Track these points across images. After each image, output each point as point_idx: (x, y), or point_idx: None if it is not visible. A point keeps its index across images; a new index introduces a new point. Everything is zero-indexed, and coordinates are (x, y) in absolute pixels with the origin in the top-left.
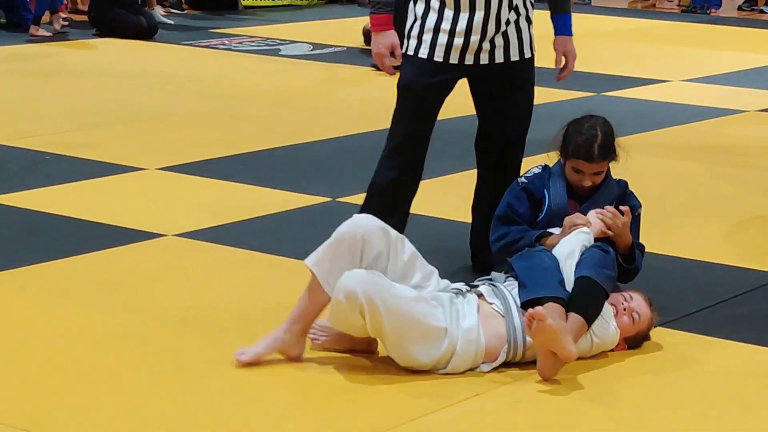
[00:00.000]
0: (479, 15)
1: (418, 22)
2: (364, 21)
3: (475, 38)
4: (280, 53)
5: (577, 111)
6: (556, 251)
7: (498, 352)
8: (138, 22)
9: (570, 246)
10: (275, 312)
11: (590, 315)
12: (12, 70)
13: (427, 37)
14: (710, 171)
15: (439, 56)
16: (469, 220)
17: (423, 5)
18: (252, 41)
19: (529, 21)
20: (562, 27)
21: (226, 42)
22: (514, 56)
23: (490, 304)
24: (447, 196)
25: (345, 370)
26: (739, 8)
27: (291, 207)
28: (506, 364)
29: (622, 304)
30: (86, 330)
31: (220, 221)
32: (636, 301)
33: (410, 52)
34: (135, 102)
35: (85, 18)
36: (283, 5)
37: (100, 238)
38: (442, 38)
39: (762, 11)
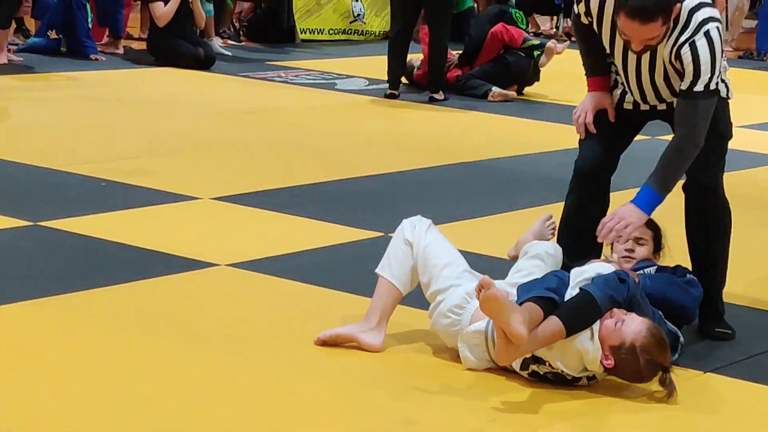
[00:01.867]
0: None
1: None
2: (418, 56)
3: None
4: (336, 87)
5: (630, 154)
6: (572, 271)
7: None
8: (196, 52)
9: (588, 270)
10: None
11: (571, 323)
12: (71, 96)
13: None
14: (764, 219)
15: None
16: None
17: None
18: (308, 74)
19: None
20: (636, 195)
21: (283, 74)
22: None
23: None
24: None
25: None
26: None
27: (343, 240)
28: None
29: (613, 313)
30: (137, 356)
31: (273, 252)
32: (629, 316)
33: None
34: (191, 131)
35: (144, 47)
36: (340, 39)
37: (154, 265)
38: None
39: None
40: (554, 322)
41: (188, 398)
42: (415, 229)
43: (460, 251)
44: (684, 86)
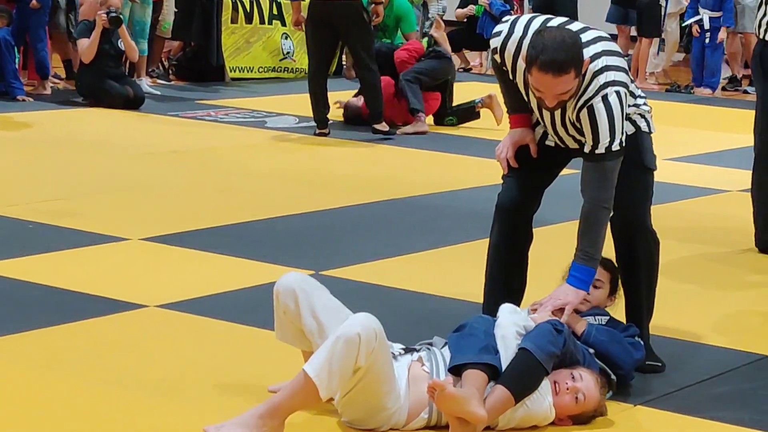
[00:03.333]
0: None
1: None
2: (350, 95)
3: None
4: (266, 125)
5: (557, 187)
6: (498, 322)
7: (418, 414)
8: (125, 92)
9: (513, 319)
10: (253, 384)
11: (520, 389)
12: None
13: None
14: (692, 250)
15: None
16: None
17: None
18: (238, 113)
19: None
20: (569, 275)
21: (213, 113)
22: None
23: (422, 366)
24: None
25: None
26: (723, 88)
27: (272, 279)
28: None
29: (566, 383)
30: (66, 400)
31: (202, 293)
32: (585, 382)
33: None
34: (120, 172)
35: (73, 87)
36: (270, 77)
37: (82, 308)
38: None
39: (746, 91)
40: (502, 392)
41: None
42: (372, 353)
43: (390, 288)
44: (586, 149)
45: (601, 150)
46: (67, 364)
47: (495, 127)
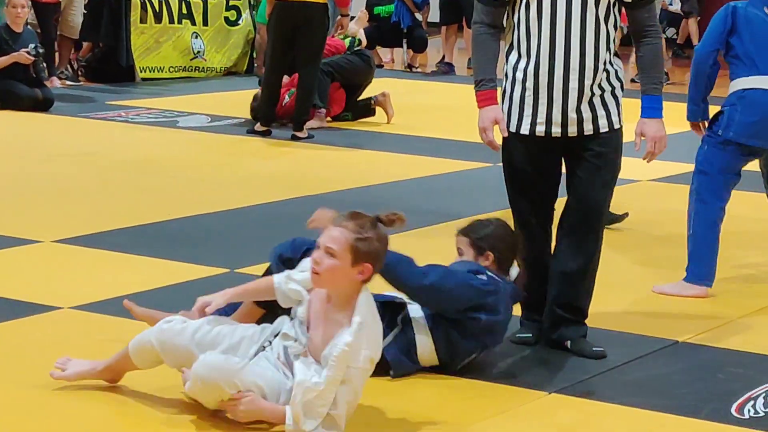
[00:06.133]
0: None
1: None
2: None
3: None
4: (177, 125)
5: (477, 183)
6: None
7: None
8: (33, 94)
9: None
10: (172, 384)
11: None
12: None
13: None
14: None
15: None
16: None
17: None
18: (149, 113)
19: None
20: (643, 108)
21: (123, 114)
22: (603, 128)
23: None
24: None
25: None
26: (632, 80)
27: (189, 278)
28: None
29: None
30: None
31: (117, 293)
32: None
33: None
34: (30, 174)
35: None
36: (180, 77)
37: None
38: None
39: None
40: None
41: None
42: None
43: None
44: None
45: None
46: None
47: (386, 122)
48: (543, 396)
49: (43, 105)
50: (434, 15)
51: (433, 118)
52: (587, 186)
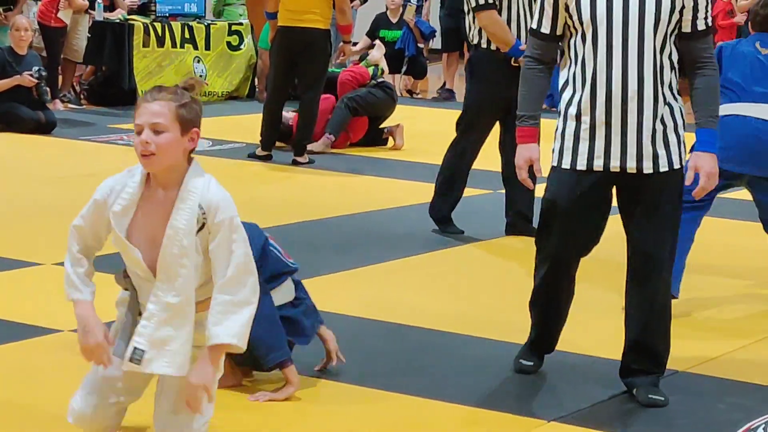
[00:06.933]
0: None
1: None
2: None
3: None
4: None
5: (473, 208)
6: None
7: None
8: (36, 117)
9: None
10: None
11: None
12: None
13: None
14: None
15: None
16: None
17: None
18: None
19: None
20: (698, 142)
21: (125, 137)
22: (663, 166)
23: None
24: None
25: None
26: None
27: None
28: None
29: None
30: None
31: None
32: None
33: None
34: (32, 196)
35: None
36: None
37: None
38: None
39: None
40: None
41: None
42: None
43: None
44: (700, 24)
45: (710, 20)
46: None
47: (389, 148)
48: (542, 424)
49: (45, 127)
50: (435, 42)
51: (434, 144)
52: (645, 229)
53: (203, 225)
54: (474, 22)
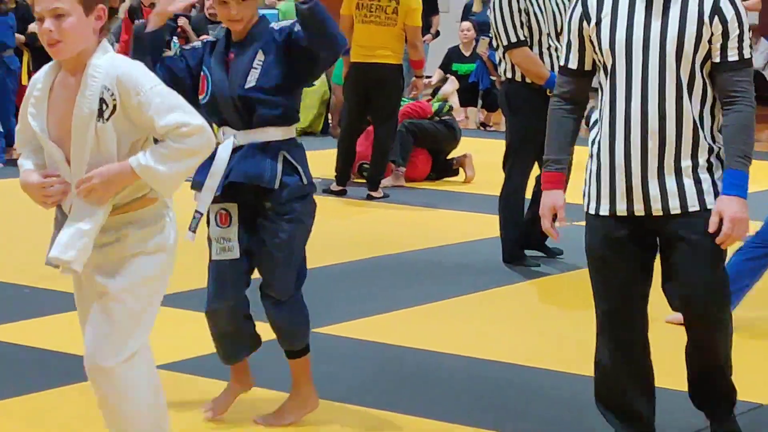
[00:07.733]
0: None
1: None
2: (335, 153)
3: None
4: None
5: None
6: None
7: None
8: None
9: None
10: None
11: None
12: None
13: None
14: None
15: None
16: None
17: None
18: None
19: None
20: (725, 185)
21: None
22: (693, 206)
23: None
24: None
25: None
26: None
27: (265, 338)
28: None
29: None
30: None
31: (197, 353)
32: None
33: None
34: None
35: None
36: None
37: (73, 370)
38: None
39: None
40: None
41: None
42: None
43: (372, 342)
44: (731, 54)
45: (746, 52)
46: (63, 427)
47: (463, 182)
48: None
49: None
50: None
51: None
52: (685, 274)
53: (114, 107)
54: (504, 57)
